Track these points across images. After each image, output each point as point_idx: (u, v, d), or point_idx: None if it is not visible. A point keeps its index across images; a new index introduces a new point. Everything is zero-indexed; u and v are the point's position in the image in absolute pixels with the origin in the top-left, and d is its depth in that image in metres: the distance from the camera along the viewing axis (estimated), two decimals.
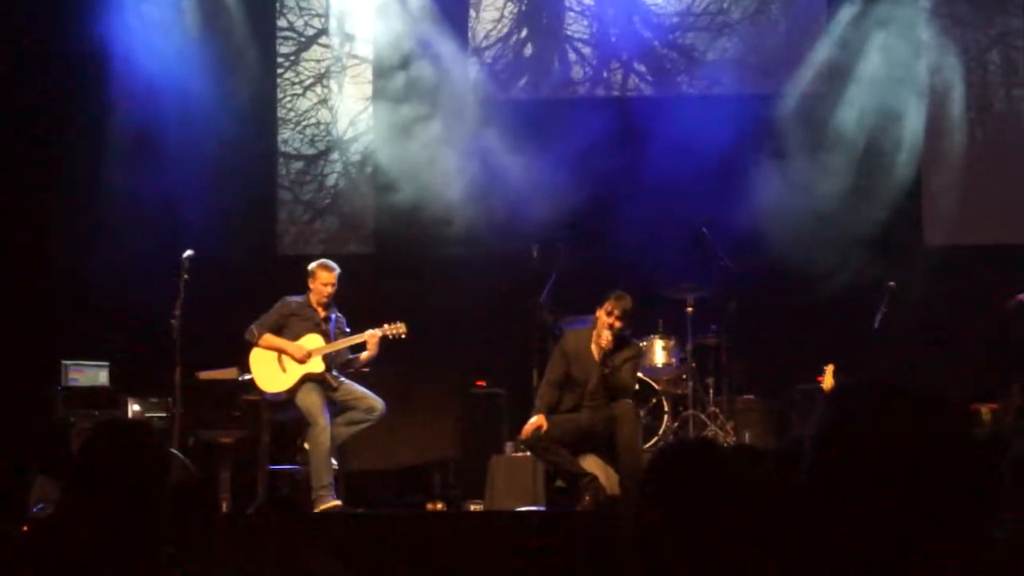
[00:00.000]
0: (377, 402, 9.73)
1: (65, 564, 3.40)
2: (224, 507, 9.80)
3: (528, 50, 13.28)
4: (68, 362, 11.07)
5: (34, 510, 9.14)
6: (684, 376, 11.25)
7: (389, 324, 9.89)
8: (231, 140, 12.58)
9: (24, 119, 12.53)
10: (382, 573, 7.28)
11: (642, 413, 10.14)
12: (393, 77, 12.94)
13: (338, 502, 9.38)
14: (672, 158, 11.70)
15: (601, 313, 9.17)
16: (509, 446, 10.78)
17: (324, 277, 9.89)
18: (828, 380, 9.94)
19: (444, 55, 12.84)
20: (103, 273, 11.89)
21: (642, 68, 13.16)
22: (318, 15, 13.35)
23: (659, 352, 11.31)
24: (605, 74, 13.19)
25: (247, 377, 10.06)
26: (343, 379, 9.85)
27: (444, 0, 12.95)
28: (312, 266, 10.01)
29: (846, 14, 12.50)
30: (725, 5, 12.97)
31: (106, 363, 11.27)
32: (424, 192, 12.35)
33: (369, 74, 13.19)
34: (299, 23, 13.38)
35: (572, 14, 13.21)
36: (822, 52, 12.59)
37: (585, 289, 10.18)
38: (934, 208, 12.55)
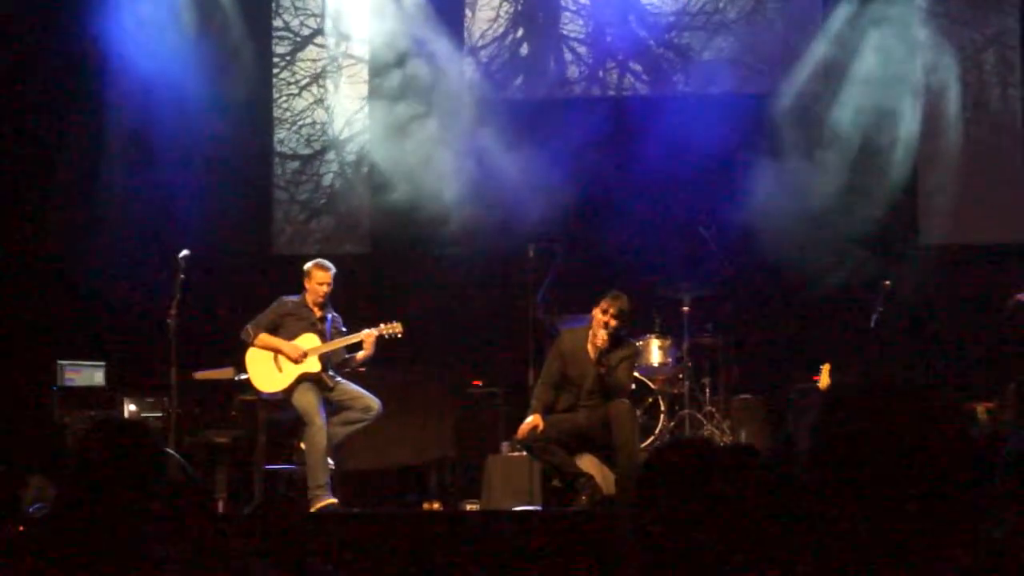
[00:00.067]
0: (373, 401, 9.73)
1: (62, 564, 3.40)
2: (220, 507, 9.81)
3: (524, 49, 13.28)
4: (64, 362, 11.08)
5: (30, 510, 9.13)
6: (680, 375, 11.26)
7: (385, 324, 9.89)
8: (227, 140, 12.58)
9: (20, 118, 12.53)
10: (378, 573, 7.27)
11: (638, 412, 10.14)
12: (389, 75, 12.94)
13: (334, 500, 9.38)
14: (668, 157, 11.71)
15: (597, 312, 9.16)
16: (505, 446, 10.78)
17: (320, 277, 9.89)
18: (824, 379, 9.94)
19: (440, 54, 12.84)
20: (99, 273, 11.89)
21: (638, 67, 13.16)
22: (314, 15, 13.34)
23: (655, 351, 11.32)
24: (601, 73, 13.19)
25: (243, 377, 10.06)
26: (339, 379, 9.85)
27: (440, 0, 12.96)
28: (308, 266, 10.00)
29: (842, 13, 12.51)
30: (721, 4, 12.97)
31: (102, 363, 11.28)
32: (420, 192, 12.35)
33: (365, 74, 13.19)
34: (295, 23, 13.38)
35: (568, 13, 13.21)
36: (818, 51, 12.59)
37: (581, 288, 10.19)
38: (930, 207, 12.55)
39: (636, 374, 10.41)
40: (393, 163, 12.62)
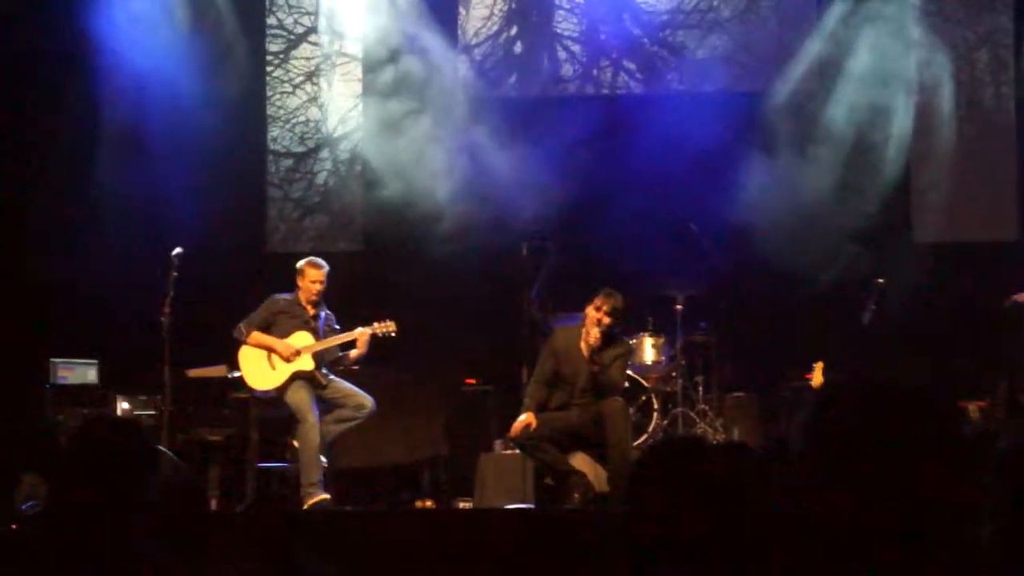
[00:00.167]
0: (366, 399, 9.73)
1: (54, 562, 3.39)
2: (213, 505, 9.80)
3: (518, 47, 13.28)
4: (57, 360, 11.07)
5: (23, 508, 9.12)
6: (673, 373, 11.26)
7: (379, 323, 9.89)
8: (220, 137, 12.55)
9: (12, 114, 12.52)
10: (371, 571, 7.27)
11: (631, 411, 10.14)
12: (382, 71, 12.92)
13: (326, 496, 9.37)
14: (662, 155, 11.72)
15: (590, 310, 9.17)
16: (498, 444, 10.78)
17: (313, 275, 9.88)
18: (817, 377, 9.94)
19: (433, 51, 12.83)
20: (92, 270, 11.86)
21: (632, 66, 13.16)
22: (308, 13, 13.33)
23: (649, 349, 11.32)
24: (595, 72, 13.19)
25: (236, 375, 10.06)
26: (332, 377, 9.85)
27: None
28: (300, 264, 10.00)
29: (836, 11, 12.51)
30: (715, 3, 12.97)
31: (95, 361, 11.26)
32: (414, 189, 12.34)
33: (359, 72, 13.18)
34: (288, 21, 13.36)
35: (562, 11, 13.20)
36: (812, 49, 12.60)
37: (574, 286, 10.18)
38: (923, 205, 12.57)
39: (629, 372, 10.41)
40: (386, 160, 12.61)
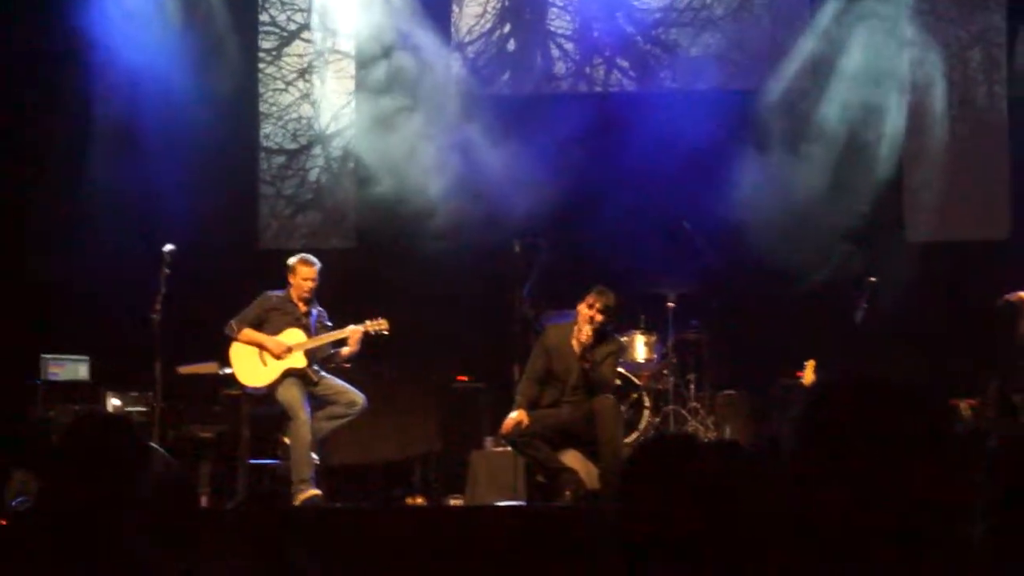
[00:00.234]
0: (358, 396, 9.72)
1: (45, 558, 3.39)
2: (204, 502, 9.79)
3: (511, 45, 13.28)
4: (48, 356, 11.05)
5: (13, 504, 9.11)
6: (665, 371, 11.26)
7: (371, 321, 9.87)
8: (212, 134, 12.54)
9: (3, 111, 12.49)
10: (362, 568, 7.27)
11: (623, 408, 10.14)
12: (375, 67, 12.92)
13: (318, 492, 9.36)
14: (655, 153, 11.73)
15: (582, 308, 9.17)
16: (490, 441, 10.78)
17: (304, 272, 9.87)
18: (809, 375, 9.95)
19: (426, 48, 12.83)
20: (83, 267, 11.85)
21: (625, 63, 13.16)
22: (300, 10, 13.31)
23: (640, 347, 11.33)
24: (588, 69, 13.19)
25: (227, 371, 10.05)
26: (324, 374, 9.84)
27: None
28: (292, 261, 9.98)
29: (829, 9, 12.52)
30: (708, 1, 12.97)
31: (86, 357, 11.25)
32: (406, 186, 12.34)
33: (352, 69, 13.17)
34: (281, 18, 13.35)
35: (555, 9, 13.20)
36: (805, 47, 12.61)
37: (567, 284, 10.19)
38: (915, 204, 12.58)
39: (621, 370, 10.42)
40: (379, 157, 12.60)
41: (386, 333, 9.87)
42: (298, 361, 9.70)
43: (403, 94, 12.79)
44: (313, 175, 13.27)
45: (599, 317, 9.11)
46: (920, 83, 12.51)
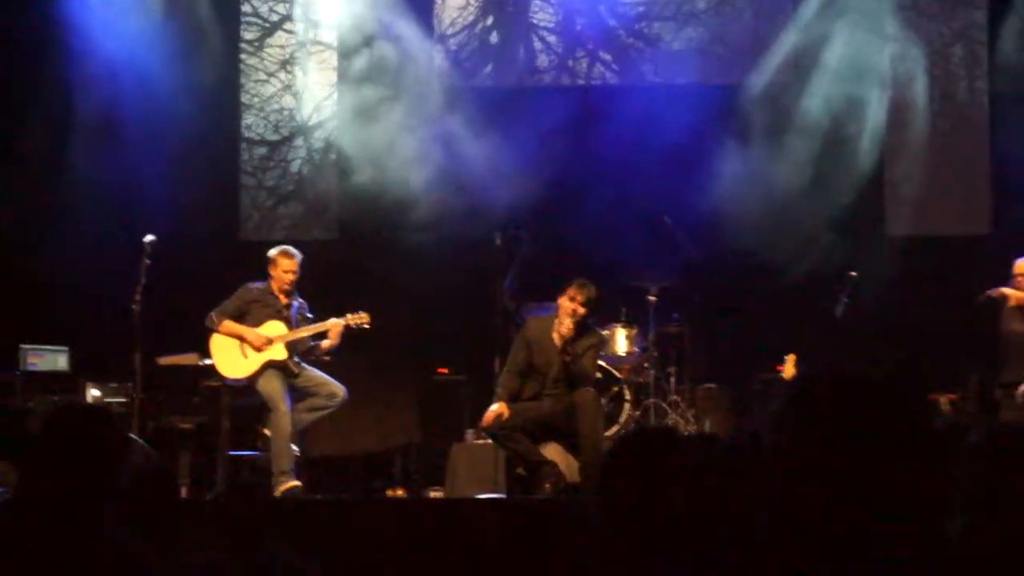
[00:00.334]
0: (338, 388, 9.71)
1: (23, 549, 3.38)
2: (184, 493, 9.77)
3: (494, 38, 13.27)
4: (27, 346, 11.01)
5: None
6: (646, 364, 11.27)
7: (352, 314, 9.86)
8: (194, 125, 12.50)
9: None
10: (342, 559, 7.27)
11: (603, 401, 10.14)
12: (356, 56, 12.89)
13: (298, 483, 9.36)
14: (636, 147, 11.75)
15: (563, 300, 9.17)
16: (470, 433, 10.78)
17: (285, 265, 9.85)
18: (789, 370, 9.97)
19: (408, 40, 12.81)
20: (63, 257, 11.81)
21: (607, 57, 13.16)
22: (282, 1, 13.28)
23: (621, 340, 11.33)
24: (570, 63, 13.18)
25: (208, 363, 10.03)
26: (305, 365, 9.83)
27: None
28: (273, 253, 9.96)
29: (811, 4, 12.52)
30: None
31: (65, 348, 11.21)
32: (388, 177, 12.32)
33: (334, 60, 13.14)
34: (263, 8, 13.31)
35: (538, 2, 13.19)
36: (787, 41, 12.61)
37: (548, 277, 10.18)
38: (896, 198, 12.61)
39: (601, 363, 10.43)
40: (361, 148, 12.58)
41: (367, 327, 9.87)
42: (279, 353, 9.68)
43: (385, 84, 12.77)
44: (295, 166, 13.25)
45: (580, 310, 9.11)
46: (902, 78, 12.54)
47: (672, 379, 11.41)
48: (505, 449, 9.31)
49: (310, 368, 9.83)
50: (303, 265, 9.91)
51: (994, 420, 9.78)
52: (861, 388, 2.22)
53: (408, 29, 12.79)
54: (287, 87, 13.23)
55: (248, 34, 13.29)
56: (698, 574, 2.64)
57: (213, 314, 9.80)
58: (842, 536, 2.12)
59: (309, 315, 10.00)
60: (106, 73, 12.44)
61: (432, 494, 10.40)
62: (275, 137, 13.26)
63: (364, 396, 10.61)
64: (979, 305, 10.47)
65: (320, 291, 10.39)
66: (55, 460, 3.53)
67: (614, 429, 10.74)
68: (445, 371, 11.87)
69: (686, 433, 10.01)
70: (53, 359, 11.11)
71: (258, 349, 9.66)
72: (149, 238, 10.11)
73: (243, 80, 13.25)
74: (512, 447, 9.18)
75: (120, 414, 9.89)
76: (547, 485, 8.96)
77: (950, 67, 12.72)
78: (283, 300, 9.88)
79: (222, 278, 10.52)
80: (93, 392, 10.76)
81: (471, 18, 13.24)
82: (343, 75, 13.01)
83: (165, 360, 10.66)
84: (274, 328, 9.75)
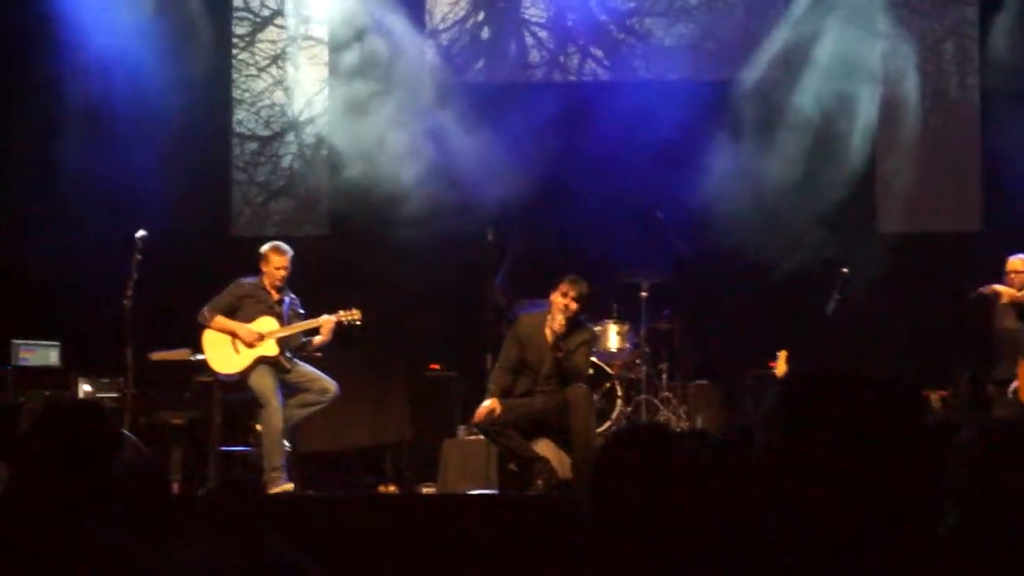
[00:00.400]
0: (330, 384, 9.71)
1: (14, 545, 3.37)
2: (175, 488, 9.77)
3: (485, 33, 13.26)
4: (18, 341, 11.00)
5: None
6: (638, 361, 11.28)
7: (344, 311, 9.84)
8: (185, 120, 12.50)
9: None
10: (334, 555, 7.26)
11: (595, 397, 10.15)
12: (348, 50, 12.89)
13: (290, 485, 9.35)
14: (628, 143, 11.76)
15: (556, 296, 9.16)
16: (462, 429, 10.78)
17: (277, 261, 9.84)
18: (780, 366, 9.97)
19: (400, 35, 12.80)
20: (54, 252, 11.80)
21: (599, 53, 13.16)
22: None
23: (613, 337, 11.34)
24: (561, 58, 13.18)
25: (199, 358, 10.02)
26: (296, 361, 9.82)
27: None
28: (264, 249, 9.95)
29: (802, 0, 12.53)
30: None
31: (57, 343, 11.21)
32: (379, 173, 12.31)
33: (325, 55, 13.14)
34: (255, 3, 13.30)
35: None
36: (778, 38, 12.62)
37: (540, 273, 10.18)
38: (887, 195, 12.62)
39: (593, 359, 10.43)
40: (352, 143, 12.57)
41: (359, 323, 9.86)
42: (270, 349, 9.68)
43: (376, 79, 12.76)
44: (286, 162, 13.24)
45: (572, 306, 9.11)
46: (893, 74, 12.55)
47: (664, 375, 11.42)
48: (497, 445, 9.31)
49: (302, 364, 9.82)
50: (294, 261, 9.90)
51: (986, 417, 9.80)
52: (852, 385, 2.22)
53: (399, 24, 12.79)
54: (278, 82, 13.22)
55: (239, 29, 13.27)
56: (691, 570, 2.64)
57: (205, 309, 9.78)
58: (833, 532, 2.13)
59: (301, 311, 9.99)
60: (97, 68, 12.43)
61: (424, 490, 10.41)
62: (266, 132, 13.25)
63: (356, 392, 10.61)
64: (970, 302, 10.47)
65: (311, 287, 10.38)
66: (47, 456, 3.52)
67: (606, 425, 10.75)
68: (437, 367, 11.87)
69: (678, 429, 10.03)
70: (45, 354, 11.10)
71: (250, 345, 9.66)
72: (140, 233, 10.09)
73: (234, 75, 13.24)
74: (504, 443, 9.18)
75: (112, 409, 9.87)
76: (539, 481, 8.96)
77: (941, 64, 12.73)
78: (275, 296, 9.87)
79: (213, 273, 10.51)
80: (85, 387, 10.75)
81: (462, 13, 13.24)
82: (334, 70, 13.01)
83: (157, 355, 10.65)
84: (266, 324, 9.74)
